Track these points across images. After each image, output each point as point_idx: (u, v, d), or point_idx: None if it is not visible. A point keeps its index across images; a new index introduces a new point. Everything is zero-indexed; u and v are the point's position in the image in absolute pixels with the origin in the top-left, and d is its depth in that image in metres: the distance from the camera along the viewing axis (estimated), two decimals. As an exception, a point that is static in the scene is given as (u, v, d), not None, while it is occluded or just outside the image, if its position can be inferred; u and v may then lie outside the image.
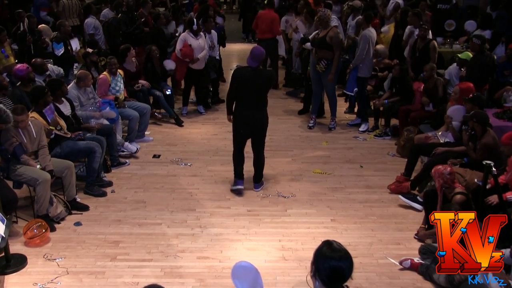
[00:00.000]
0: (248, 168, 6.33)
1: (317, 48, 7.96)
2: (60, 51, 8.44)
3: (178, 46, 8.54)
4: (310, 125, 8.47)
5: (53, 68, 7.87)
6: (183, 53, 8.44)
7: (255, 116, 6.05)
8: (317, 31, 8.08)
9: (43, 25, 9.50)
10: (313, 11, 8.99)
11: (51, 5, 11.14)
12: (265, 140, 6.40)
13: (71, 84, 6.87)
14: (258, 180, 6.39)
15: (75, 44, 8.94)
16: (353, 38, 8.84)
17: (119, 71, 7.63)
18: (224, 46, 10.65)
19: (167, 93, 8.48)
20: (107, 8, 10.83)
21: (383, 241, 5.29)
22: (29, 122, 5.47)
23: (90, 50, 8.34)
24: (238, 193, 6.24)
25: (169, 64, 8.58)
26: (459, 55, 8.04)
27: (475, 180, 5.36)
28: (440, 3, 11.06)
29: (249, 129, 6.12)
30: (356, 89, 8.43)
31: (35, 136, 5.51)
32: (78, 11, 10.95)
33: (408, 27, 8.77)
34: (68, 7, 10.81)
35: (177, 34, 9.46)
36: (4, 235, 4.47)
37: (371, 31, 8.08)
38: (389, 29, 9.87)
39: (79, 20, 10.79)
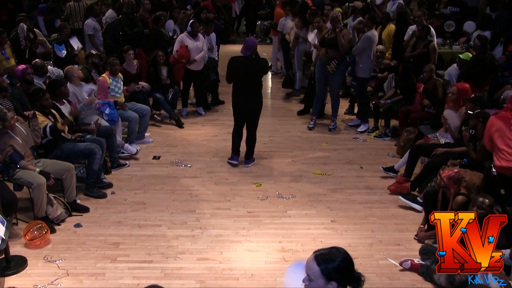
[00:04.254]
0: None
1: (327, 48, 7.96)
2: (63, 52, 8.47)
3: (175, 47, 8.59)
4: (310, 126, 8.47)
5: (53, 70, 7.88)
6: (179, 54, 8.49)
7: (250, 101, 6.75)
8: (327, 32, 8.06)
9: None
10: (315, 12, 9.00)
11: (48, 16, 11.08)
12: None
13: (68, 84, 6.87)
14: (249, 156, 7.07)
15: (76, 43, 8.94)
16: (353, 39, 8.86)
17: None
18: (224, 43, 11.38)
19: (169, 96, 8.52)
20: (109, 9, 10.83)
21: (383, 242, 5.29)
22: (16, 124, 5.47)
23: (93, 51, 8.35)
24: (233, 165, 7.00)
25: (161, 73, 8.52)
26: (460, 55, 8.04)
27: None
28: (449, 5, 11.09)
29: (246, 113, 6.86)
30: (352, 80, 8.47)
31: (26, 134, 5.55)
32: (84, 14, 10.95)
33: (410, 27, 8.78)
34: (74, 10, 10.82)
35: (174, 37, 9.45)
36: (4, 237, 4.47)
37: (374, 34, 8.09)
38: None
39: (82, 23, 10.78)
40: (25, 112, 5.79)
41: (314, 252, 2.52)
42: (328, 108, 8.88)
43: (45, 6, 10.88)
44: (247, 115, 6.89)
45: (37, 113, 5.80)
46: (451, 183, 5.04)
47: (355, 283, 2.51)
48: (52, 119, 6.00)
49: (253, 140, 7.01)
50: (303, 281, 2.51)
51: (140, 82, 8.20)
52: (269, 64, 12.07)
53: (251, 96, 6.72)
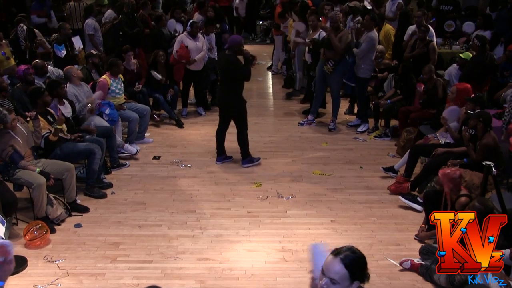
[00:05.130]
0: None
1: (325, 49, 7.98)
2: (63, 52, 8.47)
3: (175, 47, 8.58)
4: (302, 122, 8.49)
5: (53, 70, 7.88)
6: (179, 55, 8.48)
7: (223, 97, 6.98)
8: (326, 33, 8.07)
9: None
10: (316, 12, 8.99)
11: (43, 8, 11.12)
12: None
13: (67, 84, 6.86)
14: (244, 157, 7.04)
15: (77, 42, 8.96)
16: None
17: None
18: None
19: (169, 97, 8.52)
20: (109, 9, 10.82)
21: (383, 242, 5.29)
22: (17, 124, 5.47)
23: (93, 51, 8.35)
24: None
25: (156, 75, 8.50)
26: (460, 54, 8.04)
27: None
28: (442, 4, 11.09)
29: (221, 107, 7.11)
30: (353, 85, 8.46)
31: (26, 134, 5.55)
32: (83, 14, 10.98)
33: (410, 27, 8.77)
34: (74, 10, 10.84)
35: (176, 34, 9.46)
36: (4, 237, 4.47)
37: (376, 34, 8.09)
38: None
39: (82, 23, 10.79)
40: (26, 113, 5.79)
41: (335, 255, 2.44)
42: (327, 108, 8.87)
43: (35, 3, 10.94)
44: (224, 111, 7.04)
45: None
46: (446, 180, 5.02)
47: (366, 278, 2.57)
48: (51, 119, 6.01)
49: (242, 140, 6.95)
50: (323, 286, 2.43)
51: (138, 85, 8.20)
52: (270, 64, 12.13)
53: (225, 92, 6.90)
